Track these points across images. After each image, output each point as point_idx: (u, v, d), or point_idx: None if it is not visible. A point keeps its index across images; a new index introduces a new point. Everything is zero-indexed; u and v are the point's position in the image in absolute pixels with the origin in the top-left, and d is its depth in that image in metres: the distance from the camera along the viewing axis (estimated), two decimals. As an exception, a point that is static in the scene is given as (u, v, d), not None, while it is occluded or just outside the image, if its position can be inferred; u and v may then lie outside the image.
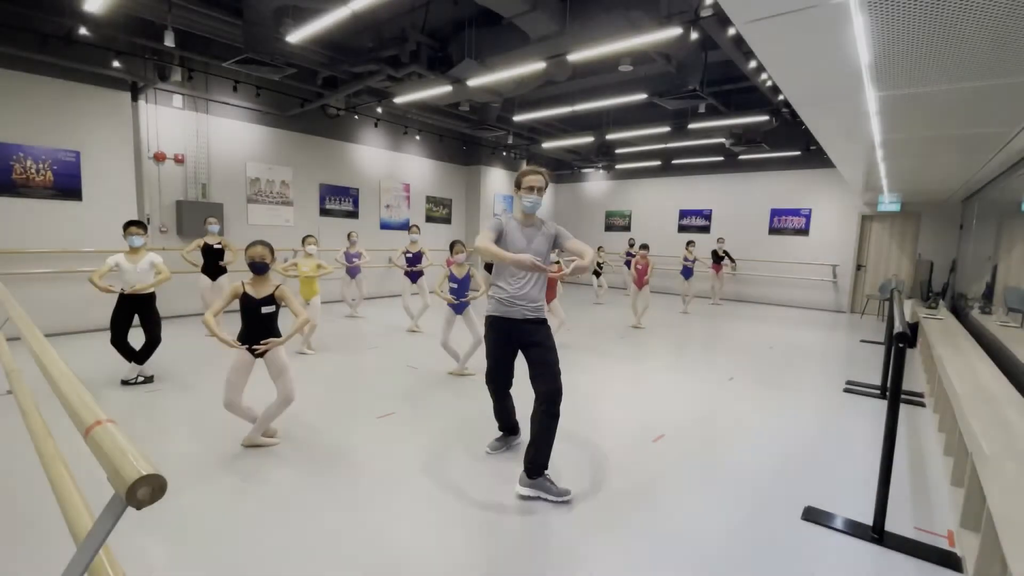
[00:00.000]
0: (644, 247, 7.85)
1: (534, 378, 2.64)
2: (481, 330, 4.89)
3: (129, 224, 4.25)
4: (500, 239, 2.68)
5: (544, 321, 2.76)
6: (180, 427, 3.41)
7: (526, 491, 2.59)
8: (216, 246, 6.18)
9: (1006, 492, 1.71)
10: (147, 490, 0.79)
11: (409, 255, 7.18)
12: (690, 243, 9.88)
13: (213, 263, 6.15)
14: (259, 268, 3.03)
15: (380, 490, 2.64)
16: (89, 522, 1.23)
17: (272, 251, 3.11)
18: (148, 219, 7.00)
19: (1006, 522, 1.57)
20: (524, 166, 2.81)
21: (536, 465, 2.58)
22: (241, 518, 2.35)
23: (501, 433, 3.26)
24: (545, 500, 2.55)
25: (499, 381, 2.96)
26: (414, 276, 7.20)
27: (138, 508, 0.79)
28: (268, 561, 2.04)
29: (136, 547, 2.10)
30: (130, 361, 4.23)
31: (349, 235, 7.46)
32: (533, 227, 2.77)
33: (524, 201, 2.74)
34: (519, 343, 2.75)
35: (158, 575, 1.96)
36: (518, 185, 2.75)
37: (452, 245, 4.85)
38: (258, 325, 3.03)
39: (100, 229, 6.30)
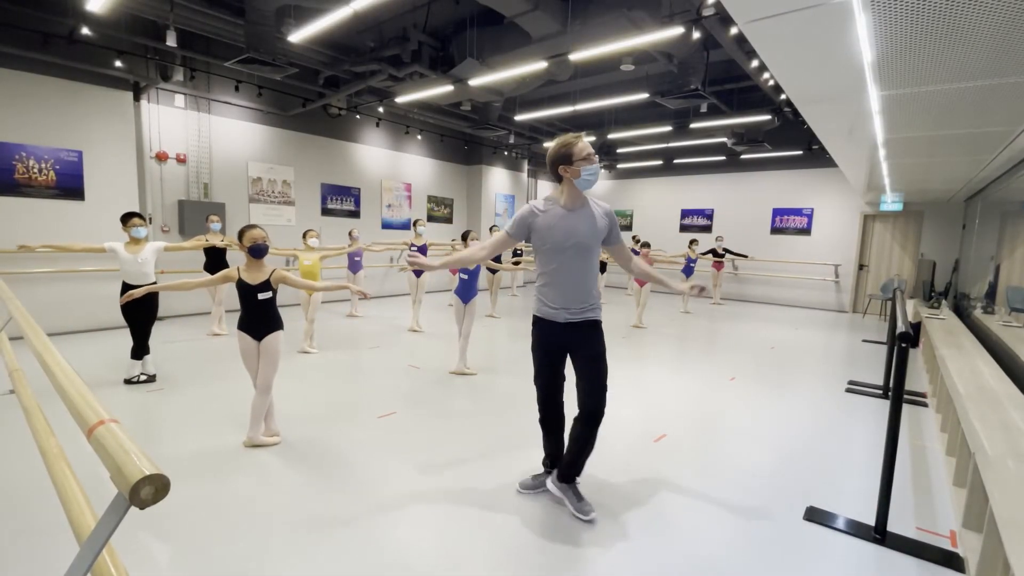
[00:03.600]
0: (646, 245, 7.90)
1: (580, 388, 2.39)
2: (472, 325, 4.98)
3: (131, 216, 4.18)
4: (531, 236, 2.30)
5: (594, 323, 2.36)
6: (182, 426, 3.41)
7: (555, 490, 2.53)
8: (220, 244, 6.16)
9: (1009, 492, 1.71)
10: (150, 489, 0.79)
11: (414, 248, 7.22)
12: (693, 242, 9.88)
13: (216, 262, 6.14)
14: (260, 251, 3.01)
15: (381, 490, 2.64)
16: (92, 521, 1.23)
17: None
18: (150, 218, 7.01)
19: (1009, 522, 1.56)
20: (565, 137, 2.24)
21: (571, 472, 2.48)
22: (243, 517, 2.35)
23: (544, 469, 2.74)
24: (566, 508, 2.46)
25: (548, 392, 2.53)
26: (418, 271, 7.24)
27: (141, 508, 0.79)
28: (269, 560, 2.05)
29: (139, 547, 2.10)
30: (139, 357, 4.25)
31: (351, 232, 7.46)
32: (583, 209, 2.29)
33: (584, 174, 2.21)
34: (568, 349, 2.40)
35: (161, 575, 1.96)
36: (567, 159, 2.21)
37: (465, 235, 4.88)
38: (256, 311, 3.03)
39: (102, 229, 6.30)
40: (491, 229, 9.45)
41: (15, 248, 4.15)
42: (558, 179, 2.29)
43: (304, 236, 5.66)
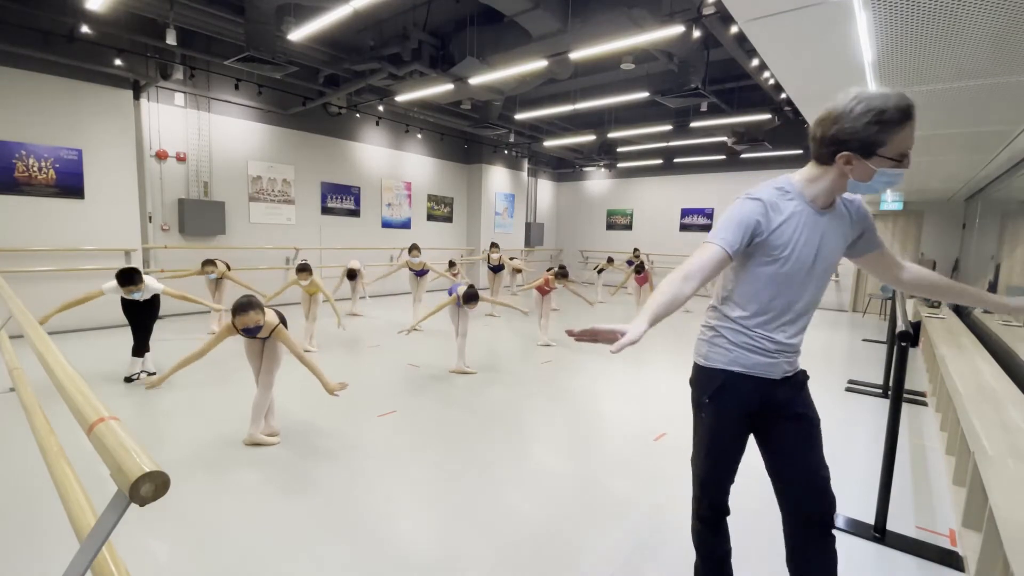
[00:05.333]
0: (639, 269, 7.84)
1: (788, 480, 1.52)
2: (468, 324, 4.95)
3: (126, 281, 3.87)
4: (755, 239, 1.37)
5: (804, 373, 1.56)
6: (182, 424, 3.41)
7: None
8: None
9: (1008, 491, 1.71)
10: (150, 487, 0.79)
11: (414, 272, 7.26)
12: None
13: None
14: (253, 333, 2.85)
15: (380, 489, 2.64)
16: (92, 519, 1.23)
17: (263, 309, 2.84)
18: (151, 217, 7.02)
19: (1008, 521, 1.56)
20: (884, 101, 1.19)
21: None
22: (243, 516, 2.35)
23: None
24: None
25: (721, 492, 1.64)
26: (420, 272, 7.29)
27: (141, 505, 0.79)
28: (270, 559, 2.05)
29: (139, 544, 2.10)
30: (140, 355, 4.25)
31: (352, 271, 7.37)
32: (835, 209, 1.41)
33: (882, 179, 1.26)
34: (763, 418, 1.53)
35: (161, 572, 1.96)
36: (872, 145, 1.22)
37: (469, 297, 4.46)
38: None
39: (102, 227, 6.31)
40: (491, 246, 8.69)
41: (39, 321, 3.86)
42: (825, 159, 1.33)
43: (297, 273, 5.32)
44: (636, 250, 11.63)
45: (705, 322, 1.61)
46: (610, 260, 10.50)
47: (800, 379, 1.55)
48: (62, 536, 2.02)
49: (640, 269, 7.60)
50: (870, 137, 1.22)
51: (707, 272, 1.34)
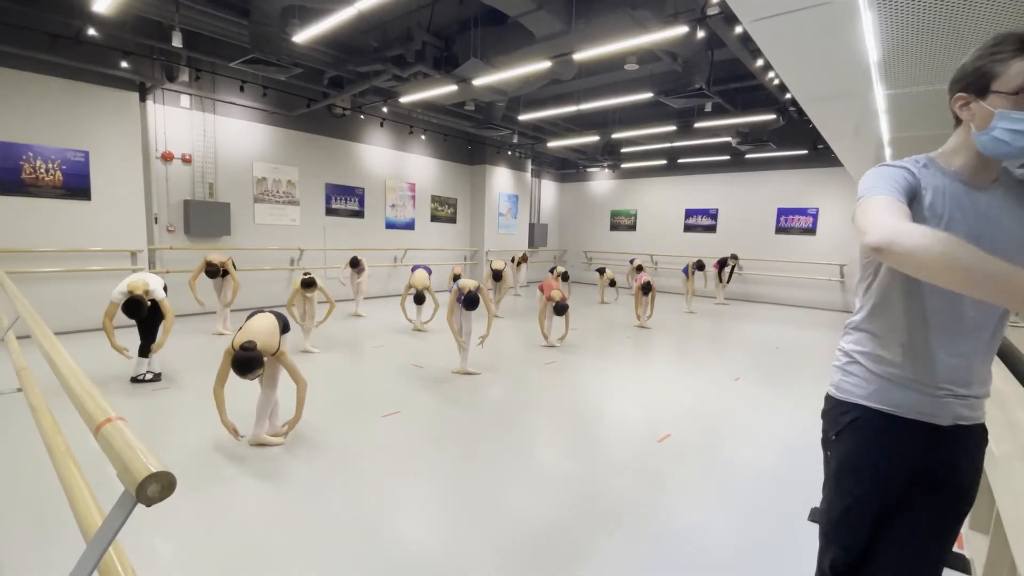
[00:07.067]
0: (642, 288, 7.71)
1: (899, 565, 1.18)
2: (473, 325, 4.98)
3: (131, 314, 3.98)
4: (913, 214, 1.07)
5: (984, 431, 1.20)
6: (188, 425, 3.43)
7: None
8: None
9: (1015, 494, 1.70)
10: (157, 487, 0.80)
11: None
12: (699, 266, 9.88)
13: (214, 273, 6.13)
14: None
15: (384, 489, 2.65)
16: (99, 519, 1.24)
17: (263, 361, 2.84)
18: (156, 218, 7.06)
19: (1015, 524, 1.55)
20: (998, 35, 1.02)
21: None
22: (248, 515, 2.36)
23: None
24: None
25: (848, 556, 1.23)
26: (422, 266, 7.26)
27: (148, 505, 0.80)
28: (274, 558, 2.06)
29: (145, 544, 2.12)
30: (146, 355, 4.27)
31: (356, 259, 7.36)
32: (1000, 187, 1.11)
33: (1004, 124, 1.00)
34: (917, 475, 1.16)
35: (166, 572, 1.97)
36: (983, 78, 1.03)
37: (470, 302, 4.56)
38: None
39: (109, 228, 6.36)
40: (490, 264, 8.40)
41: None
42: (955, 117, 1.12)
43: (303, 285, 5.36)
44: (640, 267, 11.36)
45: (839, 346, 1.31)
46: (612, 283, 10.23)
47: (973, 436, 1.14)
48: (69, 536, 2.03)
49: (647, 290, 7.51)
50: (982, 68, 1.03)
51: (904, 212, 0.99)
